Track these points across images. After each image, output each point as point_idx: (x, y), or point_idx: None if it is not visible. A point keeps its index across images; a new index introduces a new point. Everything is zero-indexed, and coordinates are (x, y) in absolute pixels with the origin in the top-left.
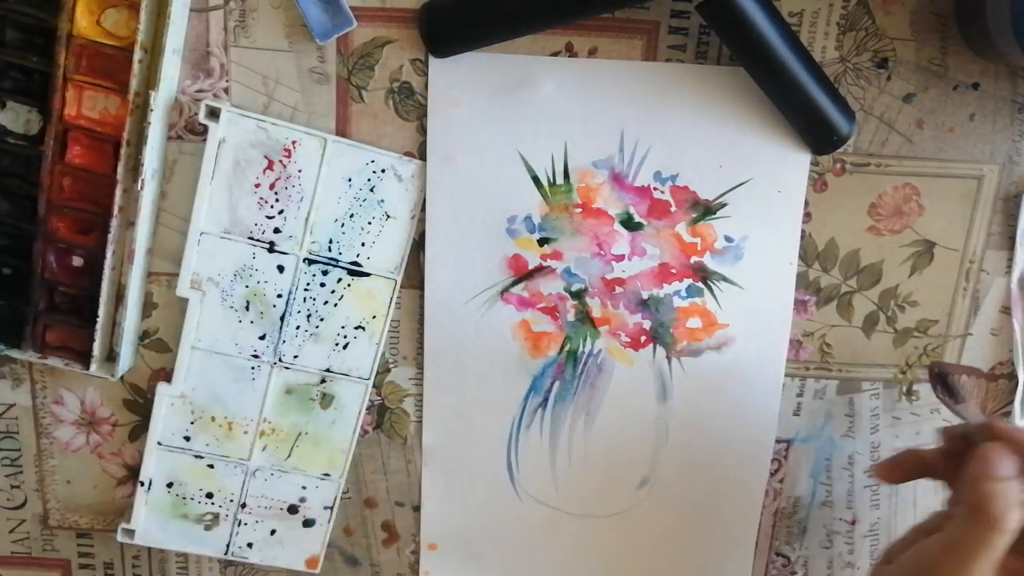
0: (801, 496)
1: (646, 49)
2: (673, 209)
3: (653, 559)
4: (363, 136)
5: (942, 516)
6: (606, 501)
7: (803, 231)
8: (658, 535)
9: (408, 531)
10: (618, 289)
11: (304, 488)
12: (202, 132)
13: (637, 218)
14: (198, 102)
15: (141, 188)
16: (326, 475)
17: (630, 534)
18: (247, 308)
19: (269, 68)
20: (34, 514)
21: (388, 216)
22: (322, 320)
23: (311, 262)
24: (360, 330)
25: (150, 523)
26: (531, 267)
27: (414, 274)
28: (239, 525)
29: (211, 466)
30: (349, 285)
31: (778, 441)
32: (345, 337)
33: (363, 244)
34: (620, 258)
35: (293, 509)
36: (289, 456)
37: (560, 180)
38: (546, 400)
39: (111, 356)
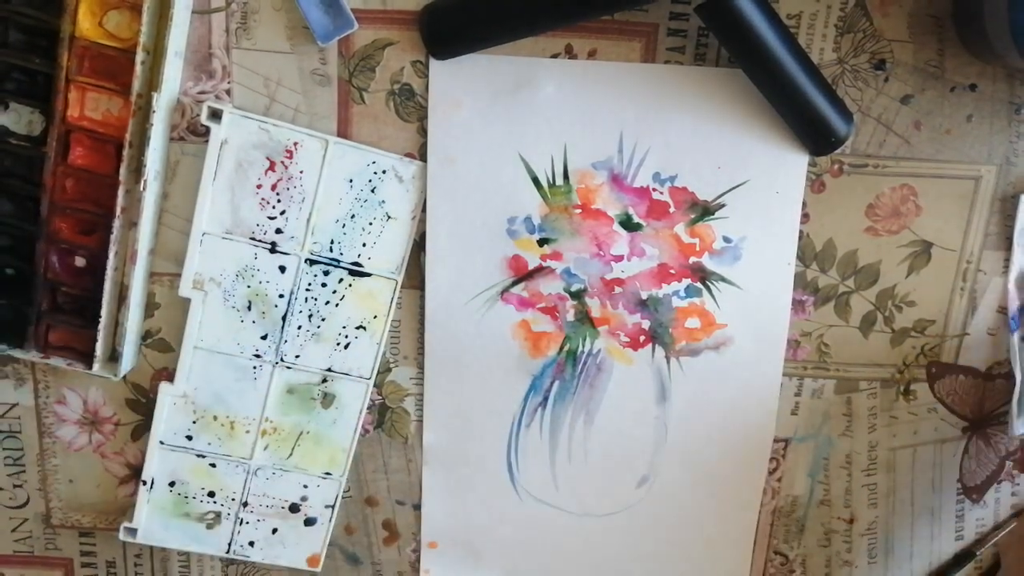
0: (799, 495)
1: (645, 51)
2: (672, 210)
3: (652, 557)
4: (364, 137)
5: None
6: (605, 500)
7: (801, 232)
8: (657, 533)
9: (409, 530)
10: (617, 289)
11: (305, 487)
12: (204, 133)
13: (636, 219)
14: (200, 103)
15: (143, 189)
16: (327, 474)
17: (629, 533)
18: (249, 308)
19: (271, 70)
20: (37, 513)
21: (389, 217)
22: (323, 320)
23: (312, 262)
24: (361, 330)
25: (152, 522)
26: (531, 267)
27: (415, 274)
28: (241, 524)
29: (213, 465)
30: (350, 285)
31: (776, 440)
32: (346, 337)
33: (364, 245)
34: (619, 258)
35: (294, 508)
36: (291, 455)
37: (560, 181)
38: (546, 400)
39: (113, 356)
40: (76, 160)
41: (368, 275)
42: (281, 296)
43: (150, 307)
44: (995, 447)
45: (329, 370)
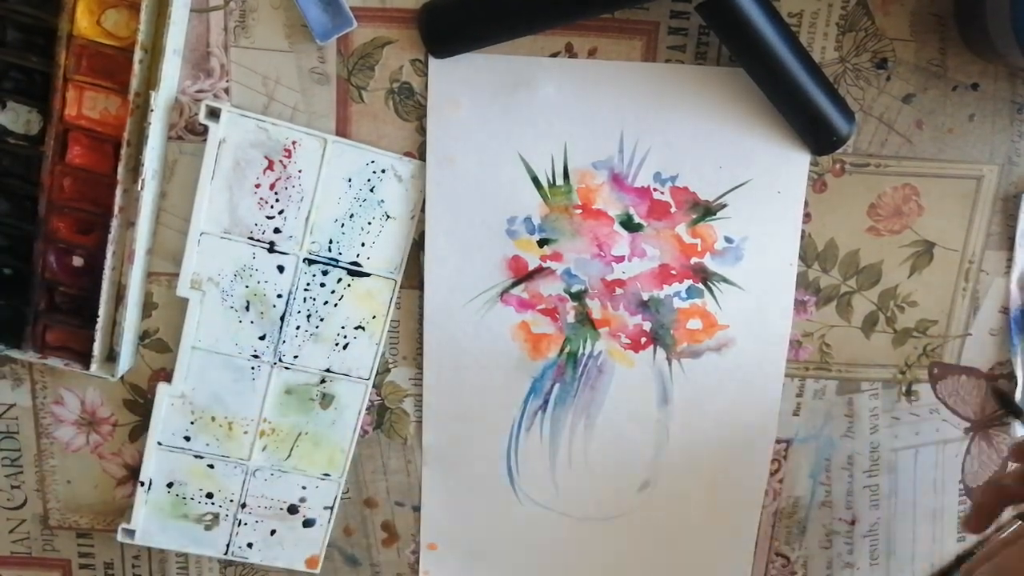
0: (801, 496)
1: (646, 50)
2: (673, 210)
3: (653, 561)
4: (363, 136)
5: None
6: (606, 504)
7: (803, 231)
8: (658, 536)
9: (408, 531)
10: (618, 290)
11: (304, 488)
12: (202, 132)
13: (637, 219)
14: (198, 102)
15: (141, 188)
16: (326, 475)
17: (630, 536)
18: (247, 308)
19: (269, 68)
20: (34, 514)
21: (388, 216)
22: (322, 320)
23: (311, 262)
24: (360, 330)
25: (150, 523)
26: (531, 268)
27: (414, 274)
28: (239, 525)
29: (211, 466)
30: (349, 285)
31: (778, 441)
32: (345, 337)
33: (363, 244)
34: (620, 259)
35: (293, 509)
36: (289, 456)
37: (560, 181)
38: (546, 403)
39: (111, 356)
40: (74, 159)
41: (367, 275)
42: (279, 296)
43: (148, 307)
44: (997, 448)
45: (328, 370)
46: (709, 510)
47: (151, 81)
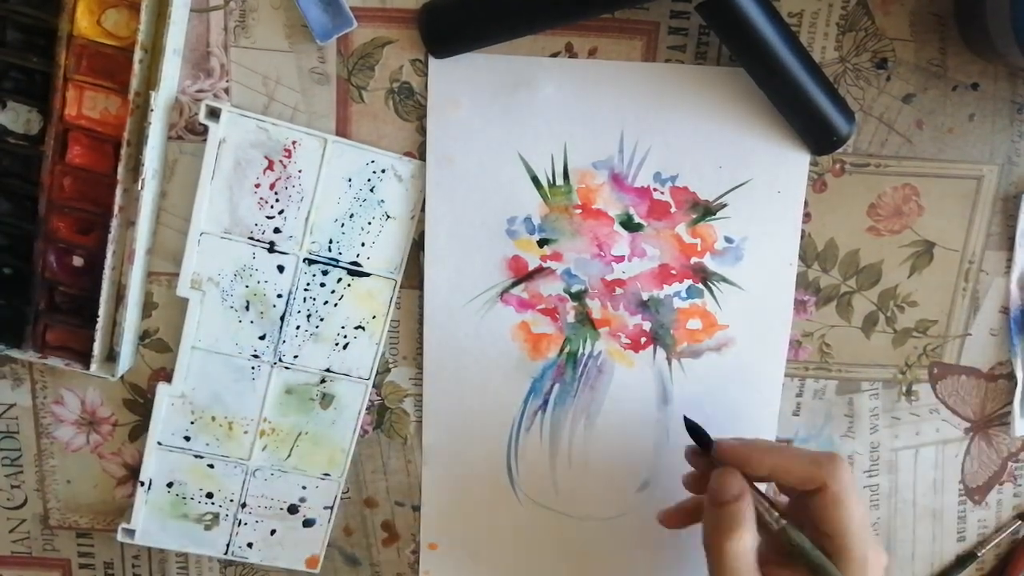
0: None
1: (646, 50)
2: (673, 210)
3: (653, 561)
4: (363, 136)
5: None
6: (606, 504)
7: (803, 231)
8: (658, 537)
9: (408, 531)
10: (618, 290)
11: (304, 488)
12: (202, 132)
13: (637, 219)
14: (198, 102)
15: (141, 188)
16: (326, 475)
17: (630, 536)
18: (247, 308)
19: (269, 68)
20: (34, 514)
21: (388, 216)
22: (322, 320)
23: (311, 262)
24: (360, 330)
25: (150, 523)
26: (531, 268)
27: (414, 274)
28: (239, 525)
29: (211, 466)
30: (349, 285)
31: (778, 441)
32: (345, 337)
33: (363, 244)
34: (620, 259)
35: (293, 509)
36: (289, 456)
37: (560, 181)
38: (546, 403)
39: (111, 356)
40: (74, 159)
41: (367, 275)
42: (279, 296)
43: (148, 307)
44: (997, 448)
45: (328, 370)
46: None
47: (151, 81)
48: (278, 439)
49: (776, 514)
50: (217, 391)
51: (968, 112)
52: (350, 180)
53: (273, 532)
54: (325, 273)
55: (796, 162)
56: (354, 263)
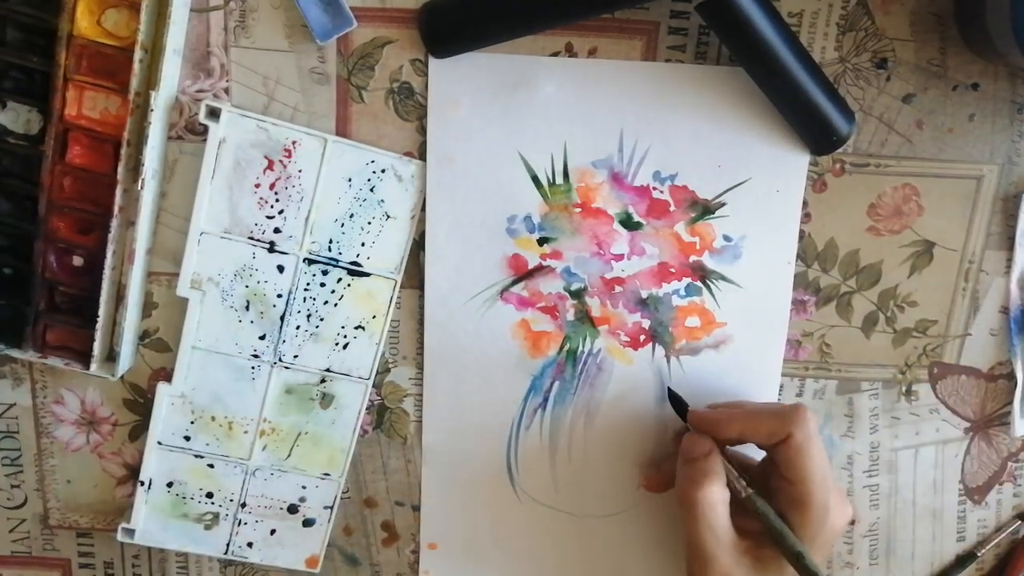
0: None
1: (646, 49)
2: (672, 208)
3: (653, 559)
4: (363, 136)
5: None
6: (606, 501)
7: (803, 231)
8: (658, 535)
9: (408, 531)
10: (617, 288)
11: (304, 488)
12: (202, 132)
13: (636, 217)
14: (198, 102)
15: (141, 188)
16: (326, 475)
17: (630, 534)
18: (247, 308)
19: (269, 68)
20: (34, 513)
21: (388, 216)
22: (322, 320)
23: (311, 262)
24: (360, 330)
25: (150, 523)
26: (531, 267)
27: (414, 274)
28: (239, 525)
29: (211, 466)
30: (349, 285)
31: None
32: (345, 337)
33: (363, 244)
34: (619, 257)
35: (293, 509)
36: (289, 456)
37: (560, 180)
38: (545, 401)
39: (111, 356)
40: (74, 159)
41: (367, 275)
42: (279, 296)
43: (148, 307)
44: (997, 448)
45: (328, 370)
46: None
47: (151, 81)
48: (278, 439)
49: (744, 482)
50: (217, 391)
51: (968, 112)
52: (350, 180)
53: (273, 532)
54: (325, 273)
55: (796, 162)
56: (354, 263)
